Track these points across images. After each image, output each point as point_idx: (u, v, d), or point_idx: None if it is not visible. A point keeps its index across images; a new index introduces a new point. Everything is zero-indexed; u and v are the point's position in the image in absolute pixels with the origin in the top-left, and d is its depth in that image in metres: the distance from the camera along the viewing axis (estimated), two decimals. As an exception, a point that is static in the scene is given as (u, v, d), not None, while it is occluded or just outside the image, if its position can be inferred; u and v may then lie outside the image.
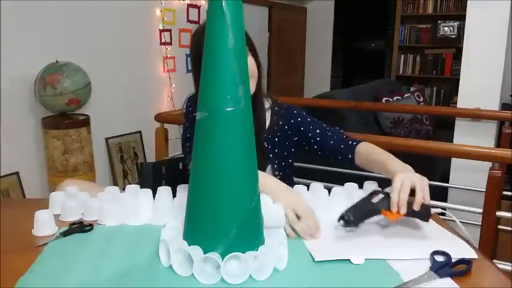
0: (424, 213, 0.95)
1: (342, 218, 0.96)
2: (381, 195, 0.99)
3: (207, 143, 0.83)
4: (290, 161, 1.37)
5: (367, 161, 1.22)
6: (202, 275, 0.79)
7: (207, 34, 0.82)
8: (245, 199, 0.84)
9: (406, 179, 0.98)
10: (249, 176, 0.85)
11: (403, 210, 0.94)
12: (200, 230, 0.84)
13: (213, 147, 0.82)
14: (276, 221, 0.96)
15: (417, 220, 1.01)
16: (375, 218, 1.00)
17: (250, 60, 1.19)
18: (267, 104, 1.33)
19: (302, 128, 1.33)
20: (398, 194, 0.96)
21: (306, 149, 1.35)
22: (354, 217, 0.95)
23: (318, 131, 1.32)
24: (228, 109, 0.80)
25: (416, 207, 0.95)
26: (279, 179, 1.32)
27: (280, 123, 1.34)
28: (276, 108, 1.35)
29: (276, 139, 1.34)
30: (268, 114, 1.33)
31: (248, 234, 0.84)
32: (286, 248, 0.87)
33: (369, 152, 1.22)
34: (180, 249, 0.82)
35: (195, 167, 0.85)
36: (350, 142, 1.27)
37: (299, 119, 1.35)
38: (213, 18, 0.81)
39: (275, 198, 1.02)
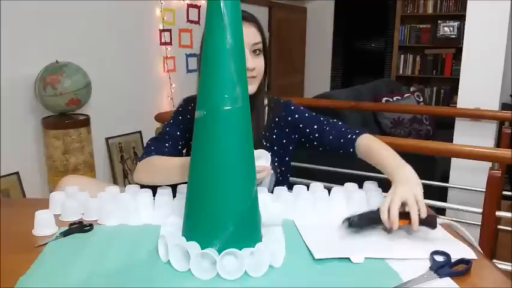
0: (431, 221, 0.95)
1: (347, 220, 0.96)
2: None
3: (205, 141, 0.84)
4: (287, 159, 1.36)
5: (367, 156, 1.21)
6: (199, 270, 0.81)
7: (206, 34, 0.83)
8: (242, 197, 0.85)
9: (396, 198, 0.96)
10: (247, 174, 0.86)
11: (395, 226, 0.94)
12: (198, 226, 0.85)
13: (211, 146, 0.83)
14: (274, 219, 0.97)
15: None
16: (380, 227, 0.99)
17: (260, 61, 1.23)
18: (265, 102, 1.33)
19: (300, 125, 1.32)
20: (386, 212, 0.95)
21: (307, 145, 1.33)
22: (359, 220, 0.95)
23: (315, 126, 1.30)
24: (225, 108, 0.81)
25: (415, 227, 0.94)
26: (277, 176, 1.31)
27: (277, 119, 1.33)
28: (272, 105, 1.34)
29: (274, 136, 1.33)
30: (265, 112, 1.33)
31: (245, 231, 0.85)
32: (283, 245, 0.87)
33: (369, 147, 1.21)
34: (178, 244, 0.83)
35: (194, 165, 0.86)
36: (349, 136, 1.26)
37: (296, 116, 1.33)
38: (211, 18, 0.82)
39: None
